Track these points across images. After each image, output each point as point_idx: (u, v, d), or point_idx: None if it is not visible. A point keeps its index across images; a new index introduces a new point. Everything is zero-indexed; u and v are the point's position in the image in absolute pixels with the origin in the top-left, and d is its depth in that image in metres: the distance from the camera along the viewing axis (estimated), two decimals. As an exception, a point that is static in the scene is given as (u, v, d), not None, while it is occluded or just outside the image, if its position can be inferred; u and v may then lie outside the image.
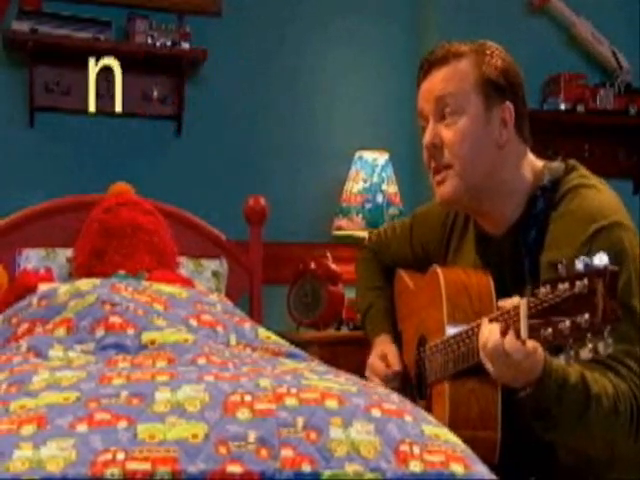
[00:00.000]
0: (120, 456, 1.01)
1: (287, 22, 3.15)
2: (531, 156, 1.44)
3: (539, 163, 1.43)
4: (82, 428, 1.04)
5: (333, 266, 2.83)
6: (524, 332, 1.09)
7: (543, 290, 1.04)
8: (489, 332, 1.17)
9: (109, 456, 1.00)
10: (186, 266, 2.42)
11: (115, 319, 1.44)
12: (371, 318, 1.71)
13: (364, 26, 3.22)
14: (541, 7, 3.32)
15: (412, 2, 3.29)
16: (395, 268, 1.72)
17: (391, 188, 3.00)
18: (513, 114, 1.39)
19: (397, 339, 1.65)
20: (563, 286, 1.00)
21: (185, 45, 2.89)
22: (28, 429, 1.04)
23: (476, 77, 1.38)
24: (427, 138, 1.40)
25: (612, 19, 3.40)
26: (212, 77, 3.03)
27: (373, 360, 1.60)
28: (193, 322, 1.55)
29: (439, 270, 1.44)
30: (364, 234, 3.01)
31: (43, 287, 1.76)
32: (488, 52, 1.40)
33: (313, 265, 2.82)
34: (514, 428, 1.29)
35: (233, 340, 1.55)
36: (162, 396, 1.12)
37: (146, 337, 1.41)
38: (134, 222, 1.92)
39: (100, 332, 1.43)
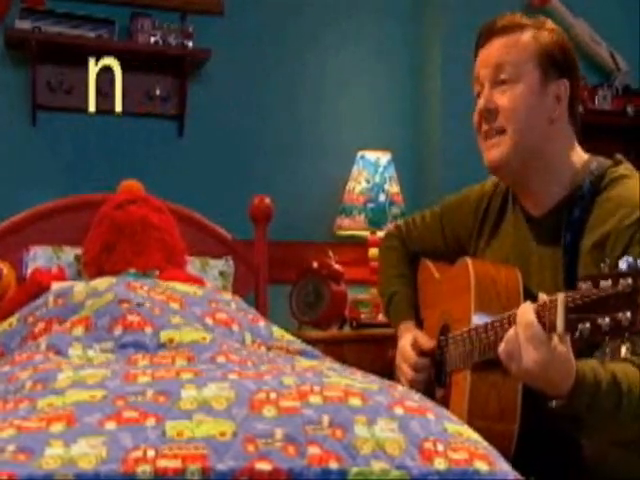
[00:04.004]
0: (150, 453, 1.01)
1: (290, 22, 3.16)
2: (578, 146, 1.47)
3: (585, 154, 1.47)
4: (111, 426, 1.05)
5: (336, 265, 2.84)
6: (560, 325, 1.09)
7: (584, 285, 1.04)
8: (523, 312, 1.18)
9: (139, 453, 1.01)
10: (193, 265, 2.42)
11: (133, 317, 1.45)
12: (395, 305, 1.72)
13: (366, 27, 3.23)
14: (540, 8, 3.34)
15: (413, 2, 3.30)
16: (420, 256, 1.73)
17: (393, 188, 3.01)
18: (568, 92, 1.42)
19: (418, 327, 1.65)
20: (606, 283, 1.01)
21: (188, 44, 2.89)
22: (57, 427, 1.04)
23: (536, 49, 1.41)
24: (481, 102, 1.43)
25: (610, 21, 3.43)
26: (215, 77, 3.03)
27: (404, 346, 1.59)
28: (209, 320, 1.55)
29: (469, 261, 1.45)
30: (366, 234, 3.02)
31: (56, 286, 1.76)
32: (549, 28, 1.44)
33: (316, 264, 2.83)
34: (534, 423, 1.30)
35: (248, 339, 1.56)
36: (188, 394, 1.13)
37: (164, 336, 1.42)
38: (145, 219, 1.92)
39: (118, 331, 1.43)
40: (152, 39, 2.84)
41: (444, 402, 1.42)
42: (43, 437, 1.02)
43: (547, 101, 1.41)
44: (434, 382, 1.53)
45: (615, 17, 3.45)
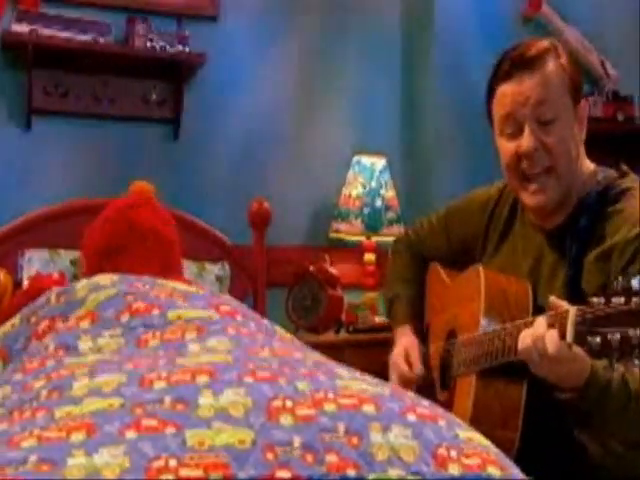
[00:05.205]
0: (172, 462, 1.01)
1: (285, 27, 3.17)
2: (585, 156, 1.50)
3: (590, 163, 1.49)
4: (131, 435, 1.05)
5: (332, 270, 2.86)
6: (570, 337, 1.12)
7: (596, 300, 1.07)
8: (536, 326, 1.21)
9: (162, 463, 1.01)
10: (189, 270, 2.42)
11: (139, 304, 1.43)
12: (396, 307, 1.74)
13: (363, 31, 3.26)
14: (532, 16, 3.38)
15: (407, 9, 3.33)
16: (429, 261, 1.75)
17: (389, 193, 3.04)
18: (587, 110, 1.46)
19: (422, 331, 1.67)
20: (618, 300, 1.04)
21: (184, 49, 2.89)
22: (78, 436, 1.04)
23: (565, 80, 1.42)
24: (528, 143, 1.40)
25: (601, 28, 3.47)
26: (210, 81, 3.04)
27: (396, 357, 1.63)
28: (213, 311, 1.54)
29: (481, 269, 1.47)
30: (362, 238, 3.04)
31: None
32: (561, 52, 1.44)
33: (312, 269, 2.84)
34: (539, 424, 1.33)
35: (253, 328, 1.55)
36: (205, 401, 1.13)
37: (172, 314, 1.40)
38: (152, 227, 1.91)
39: (125, 317, 1.40)
40: (148, 44, 2.85)
41: (447, 406, 1.44)
42: (65, 447, 1.01)
43: (578, 126, 1.44)
44: (437, 385, 1.55)
45: (606, 24, 3.49)
